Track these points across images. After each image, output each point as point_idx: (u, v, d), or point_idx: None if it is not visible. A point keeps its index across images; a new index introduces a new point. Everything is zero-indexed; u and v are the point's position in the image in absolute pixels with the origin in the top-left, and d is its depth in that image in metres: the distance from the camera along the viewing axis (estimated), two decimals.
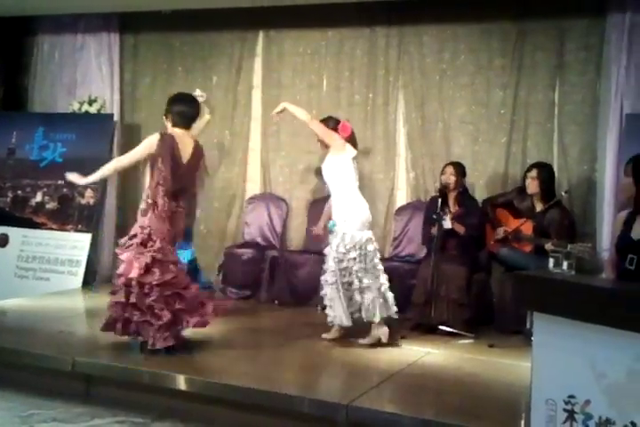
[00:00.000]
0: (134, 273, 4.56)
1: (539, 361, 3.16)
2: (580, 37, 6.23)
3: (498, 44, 6.50)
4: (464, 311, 5.54)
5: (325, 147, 5.32)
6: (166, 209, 4.69)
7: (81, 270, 7.11)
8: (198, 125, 5.31)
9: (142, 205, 4.77)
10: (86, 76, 7.89)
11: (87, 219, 7.37)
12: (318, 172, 5.64)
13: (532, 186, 5.71)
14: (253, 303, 6.70)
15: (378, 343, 5.12)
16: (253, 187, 7.39)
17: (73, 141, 7.48)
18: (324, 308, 5.35)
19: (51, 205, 7.48)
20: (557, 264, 3.28)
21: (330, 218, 5.32)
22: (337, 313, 5.13)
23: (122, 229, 7.51)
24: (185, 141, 4.85)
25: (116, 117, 7.59)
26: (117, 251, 4.80)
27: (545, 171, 5.74)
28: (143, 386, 4.40)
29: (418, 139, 6.75)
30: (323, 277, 5.26)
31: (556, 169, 6.13)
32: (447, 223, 5.67)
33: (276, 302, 6.62)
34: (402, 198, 6.86)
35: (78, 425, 4.13)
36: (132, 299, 4.56)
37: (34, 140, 7.63)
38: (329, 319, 5.22)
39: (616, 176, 5.83)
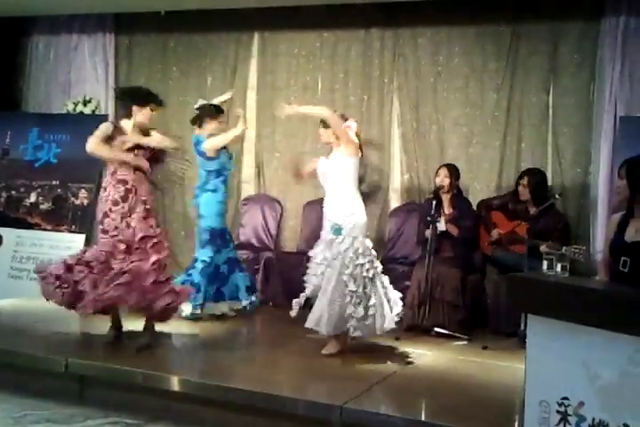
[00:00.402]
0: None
1: (532, 363, 3.18)
2: (575, 41, 6.26)
3: (492, 46, 6.52)
4: (458, 313, 5.55)
5: (337, 145, 5.04)
6: None
7: None
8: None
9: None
10: (81, 76, 7.88)
11: (81, 219, 7.36)
12: (313, 173, 5.61)
13: (524, 193, 5.75)
14: None
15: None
16: (248, 188, 7.40)
17: (67, 142, 7.47)
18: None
19: (45, 206, 7.47)
20: (551, 266, 3.30)
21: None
22: (322, 319, 4.78)
23: None
24: None
25: (110, 118, 7.57)
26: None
27: (536, 178, 5.77)
28: (137, 387, 4.40)
29: (412, 141, 6.76)
30: (314, 282, 4.94)
31: (549, 172, 6.16)
32: (441, 225, 5.68)
33: (271, 303, 6.62)
34: (396, 200, 6.87)
35: (71, 426, 4.12)
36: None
37: (28, 140, 7.62)
38: (310, 324, 4.86)
39: (610, 179, 5.87)
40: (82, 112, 7.59)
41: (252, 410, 4.09)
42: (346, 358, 4.90)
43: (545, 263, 3.32)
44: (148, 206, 4.95)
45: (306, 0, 6.70)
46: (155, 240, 4.91)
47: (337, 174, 4.98)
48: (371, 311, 4.79)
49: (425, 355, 5.06)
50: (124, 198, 4.87)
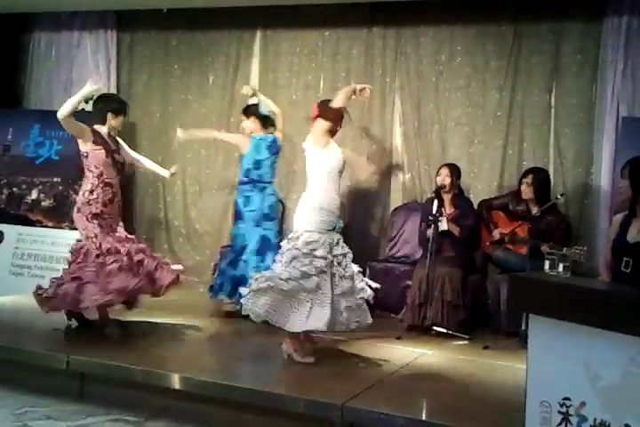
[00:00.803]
0: None
1: (534, 363, 3.18)
2: (577, 40, 6.25)
3: (494, 46, 6.51)
4: (459, 313, 5.55)
5: (331, 136, 4.94)
6: None
7: None
8: None
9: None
10: (83, 73, 7.86)
11: None
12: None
13: (527, 192, 5.73)
14: None
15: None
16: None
17: (69, 139, 7.36)
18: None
19: (46, 203, 7.47)
20: (553, 266, 3.29)
21: None
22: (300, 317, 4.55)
23: None
24: None
25: None
26: None
27: (540, 177, 5.76)
28: (137, 384, 4.40)
29: (414, 140, 6.76)
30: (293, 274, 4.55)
31: (551, 172, 6.16)
32: (443, 225, 5.68)
33: None
34: (397, 199, 6.87)
35: (72, 423, 4.12)
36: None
37: (30, 137, 7.61)
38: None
39: (612, 179, 5.87)
40: (83, 109, 7.56)
41: (252, 408, 4.09)
42: (347, 356, 4.90)
43: (547, 263, 3.32)
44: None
45: None
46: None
47: (334, 168, 4.86)
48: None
49: (426, 354, 5.06)
50: (112, 200, 5.17)
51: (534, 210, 5.68)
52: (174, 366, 4.50)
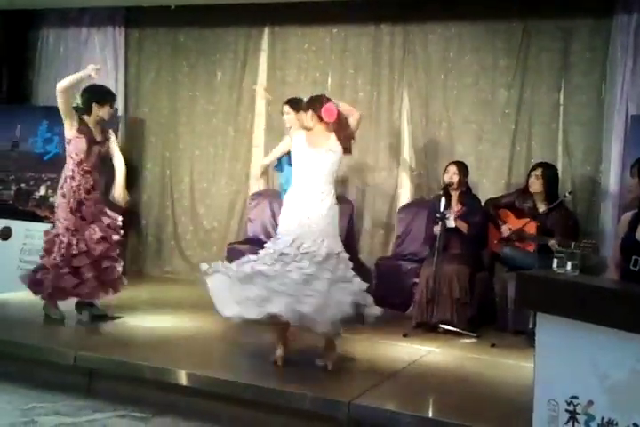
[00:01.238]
0: None
1: (541, 361, 3.17)
2: (586, 38, 6.23)
3: (503, 43, 6.50)
4: (466, 310, 5.54)
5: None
6: None
7: None
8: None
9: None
10: None
11: None
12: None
13: (536, 185, 5.71)
14: None
15: None
16: (257, 183, 7.39)
17: None
18: None
19: (54, 199, 7.46)
20: (561, 264, 3.28)
21: None
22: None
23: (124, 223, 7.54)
24: None
25: (120, 112, 7.58)
26: None
27: (550, 171, 5.75)
28: (144, 381, 4.41)
29: (422, 138, 6.75)
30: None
31: (560, 170, 6.14)
32: (451, 222, 5.67)
33: None
34: (405, 197, 6.87)
35: (79, 419, 4.13)
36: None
37: (38, 133, 7.62)
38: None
39: (620, 177, 5.85)
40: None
41: (258, 405, 4.10)
42: (354, 354, 4.90)
43: (555, 261, 3.30)
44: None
45: None
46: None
47: (331, 169, 4.67)
48: None
49: (433, 352, 5.05)
50: (94, 187, 5.32)
51: (542, 207, 5.67)
52: (181, 362, 4.50)
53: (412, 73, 6.80)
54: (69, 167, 5.31)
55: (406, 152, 6.86)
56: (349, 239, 6.67)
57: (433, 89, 6.72)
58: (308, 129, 4.64)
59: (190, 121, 7.59)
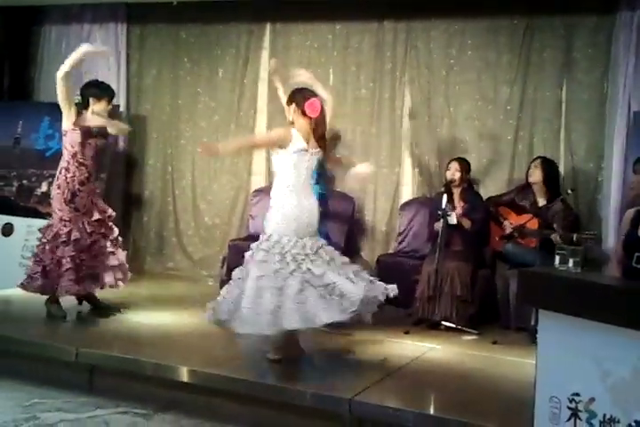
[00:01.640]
0: None
1: (543, 358, 3.17)
2: (589, 35, 6.21)
3: (505, 40, 6.48)
4: (468, 307, 5.54)
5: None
6: None
7: None
8: None
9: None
10: (92, 66, 7.84)
11: None
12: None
13: (536, 174, 5.71)
14: None
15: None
16: (258, 180, 7.39)
17: None
18: None
19: None
20: (563, 261, 3.28)
21: None
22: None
23: (124, 218, 7.55)
24: None
25: (122, 108, 7.58)
26: None
27: (549, 163, 5.77)
28: (146, 377, 4.42)
29: (424, 134, 6.74)
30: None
31: (562, 167, 6.14)
32: (453, 219, 5.67)
33: None
34: (407, 194, 6.86)
35: (82, 415, 4.14)
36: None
37: (39, 129, 7.61)
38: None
39: (623, 174, 5.83)
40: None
41: (260, 402, 4.10)
42: (355, 350, 4.90)
43: (557, 258, 3.30)
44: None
45: None
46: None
47: (309, 168, 4.57)
48: None
49: (434, 349, 5.05)
50: (88, 179, 5.38)
51: (542, 202, 5.68)
52: (183, 359, 4.50)
53: (414, 70, 6.79)
54: (65, 159, 5.39)
55: (408, 149, 6.85)
56: (351, 236, 6.69)
57: (435, 86, 6.70)
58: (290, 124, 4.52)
59: (192, 117, 7.58)
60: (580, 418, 2.98)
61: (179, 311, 5.72)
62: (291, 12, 7.07)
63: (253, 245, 4.44)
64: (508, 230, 5.69)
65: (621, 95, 5.95)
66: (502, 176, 6.44)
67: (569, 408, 3.02)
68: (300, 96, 4.48)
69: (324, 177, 5.52)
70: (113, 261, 5.42)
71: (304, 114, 4.43)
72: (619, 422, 2.85)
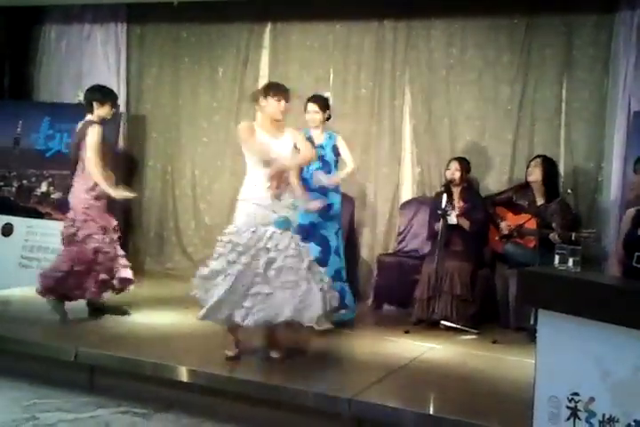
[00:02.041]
0: None
1: (543, 358, 3.17)
2: (589, 34, 6.20)
3: (506, 39, 6.46)
4: (468, 307, 5.53)
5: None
6: None
7: None
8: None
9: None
10: (93, 66, 7.88)
11: None
12: None
13: (535, 173, 5.69)
14: None
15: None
16: None
17: None
18: None
19: (56, 196, 7.46)
20: (563, 261, 3.27)
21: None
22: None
23: (126, 219, 7.55)
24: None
25: (122, 108, 7.57)
26: None
27: (549, 161, 5.76)
28: (146, 377, 4.42)
29: (424, 134, 6.73)
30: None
31: (562, 166, 6.14)
32: (452, 219, 5.67)
33: None
34: (407, 193, 6.85)
35: (82, 415, 4.15)
36: None
37: (40, 129, 7.61)
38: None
39: (623, 174, 5.83)
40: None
41: (260, 401, 4.10)
42: (355, 350, 4.90)
43: (557, 258, 3.30)
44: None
45: None
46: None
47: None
48: None
49: (434, 348, 5.05)
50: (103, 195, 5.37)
51: (540, 201, 5.67)
52: (183, 358, 4.50)
53: (414, 69, 6.78)
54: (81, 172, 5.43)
55: (408, 148, 6.84)
56: (351, 235, 6.67)
57: (435, 85, 6.69)
58: (277, 120, 4.57)
59: (192, 117, 7.58)
60: (579, 418, 2.98)
61: (179, 311, 5.70)
62: (291, 12, 7.07)
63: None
64: (506, 231, 5.68)
65: (622, 94, 5.95)
66: (502, 176, 6.43)
67: (568, 408, 3.01)
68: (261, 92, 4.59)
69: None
70: (124, 262, 5.47)
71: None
72: (618, 421, 2.84)
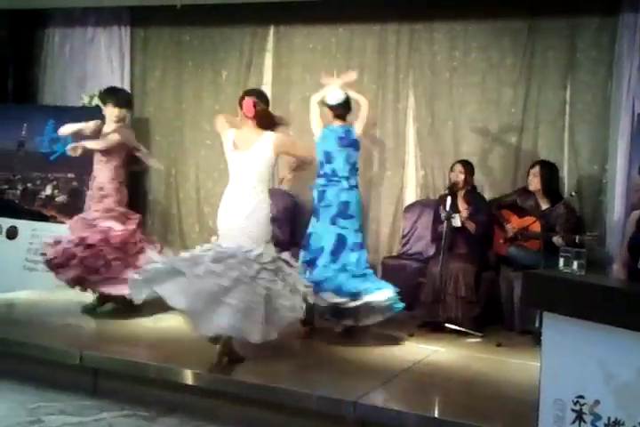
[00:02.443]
0: None
1: (548, 361, 3.16)
2: (592, 36, 6.19)
3: (509, 42, 6.46)
4: (472, 310, 5.53)
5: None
6: None
7: None
8: None
9: None
10: (96, 69, 7.89)
11: None
12: None
13: (534, 183, 5.71)
14: None
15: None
16: None
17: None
18: None
19: (60, 198, 7.48)
20: (567, 264, 3.27)
21: None
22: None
23: None
24: None
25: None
26: None
27: (547, 168, 5.75)
28: (150, 380, 4.42)
29: (427, 137, 6.73)
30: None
31: (565, 169, 6.13)
32: (457, 221, 5.66)
33: None
34: (411, 196, 6.84)
35: (86, 418, 4.15)
36: None
37: (44, 132, 7.63)
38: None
39: (627, 176, 5.82)
40: (98, 105, 7.58)
41: (264, 405, 4.10)
42: (359, 353, 4.90)
43: (561, 260, 3.30)
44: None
45: None
46: None
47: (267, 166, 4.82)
48: None
49: (438, 351, 5.05)
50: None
51: (544, 205, 5.67)
52: (187, 361, 4.50)
53: (417, 72, 6.78)
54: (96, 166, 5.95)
55: (412, 151, 6.84)
56: None
57: (439, 88, 6.69)
58: (238, 128, 4.73)
59: (196, 120, 7.58)
60: (584, 421, 2.97)
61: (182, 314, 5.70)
62: (294, 15, 7.07)
63: None
64: (511, 234, 5.68)
65: (625, 96, 5.94)
66: (506, 178, 6.42)
67: (573, 411, 3.01)
68: (240, 99, 4.80)
69: None
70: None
71: (245, 116, 4.79)
72: (623, 424, 2.84)
